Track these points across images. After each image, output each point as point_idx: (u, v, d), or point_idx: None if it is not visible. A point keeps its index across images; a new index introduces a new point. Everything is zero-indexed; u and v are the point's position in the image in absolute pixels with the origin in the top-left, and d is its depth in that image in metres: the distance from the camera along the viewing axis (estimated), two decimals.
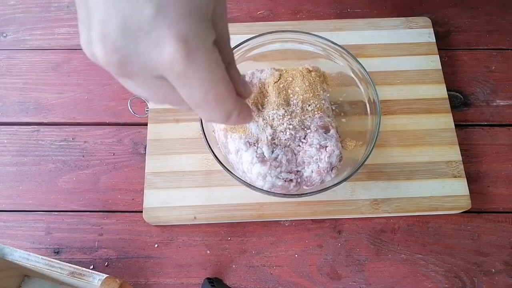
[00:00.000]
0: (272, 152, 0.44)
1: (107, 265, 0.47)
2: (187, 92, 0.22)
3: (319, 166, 0.44)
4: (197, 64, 0.21)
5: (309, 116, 0.46)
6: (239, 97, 0.27)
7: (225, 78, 0.24)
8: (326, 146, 0.44)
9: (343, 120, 0.51)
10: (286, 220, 0.50)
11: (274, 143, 0.45)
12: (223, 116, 0.25)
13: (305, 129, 0.45)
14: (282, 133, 0.45)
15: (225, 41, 0.26)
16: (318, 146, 0.44)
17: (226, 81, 0.24)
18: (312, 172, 0.44)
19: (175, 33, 0.20)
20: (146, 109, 0.54)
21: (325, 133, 0.45)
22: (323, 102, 0.47)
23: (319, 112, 0.46)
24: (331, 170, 0.44)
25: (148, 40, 0.20)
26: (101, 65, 0.22)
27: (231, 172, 0.43)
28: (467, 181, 0.50)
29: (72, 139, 0.54)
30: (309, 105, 0.46)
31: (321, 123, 0.46)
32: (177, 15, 0.20)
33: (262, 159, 0.43)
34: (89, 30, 0.21)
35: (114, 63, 0.21)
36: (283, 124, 0.45)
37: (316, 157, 0.44)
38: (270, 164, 0.43)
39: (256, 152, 0.43)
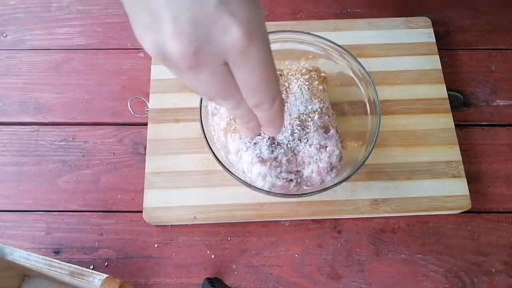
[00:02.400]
0: (272, 152, 0.44)
1: (107, 265, 0.47)
2: (245, 72, 0.25)
3: (319, 166, 0.44)
4: (257, 44, 0.24)
5: (309, 116, 0.46)
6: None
7: (273, 62, 0.26)
8: (326, 146, 0.44)
9: (343, 120, 0.50)
10: (286, 220, 0.50)
11: (274, 143, 0.45)
12: (270, 100, 0.28)
13: (305, 129, 0.45)
14: (282, 133, 0.45)
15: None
16: (318, 146, 0.44)
17: (274, 65, 0.27)
18: (312, 172, 0.44)
19: (238, 19, 0.23)
20: (146, 109, 0.54)
21: (325, 133, 0.45)
22: (323, 102, 0.47)
23: (319, 112, 0.46)
24: (331, 170, 0.44)
25: (216, 27, 0.23)
26: (171, 63, 0.25)
27: (231, 172, 0.43)
28: (467, 181, 0.50)
29: (72, 139, 0.54)
30: (309, 105, 0.46)
31: (321, 123, 0.46)
32: (237, 3, 0.23)
33: (262, 159, 0.43)
34: (158, 31, 0.23)
35: (190, 55, 0.24)
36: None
37: (316, 157, 0.44)
38: (270, 164, 0.43)
39: (256, 152, 0.43)
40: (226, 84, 0.27)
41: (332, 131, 0.45)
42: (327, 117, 0.47)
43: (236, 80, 0.26)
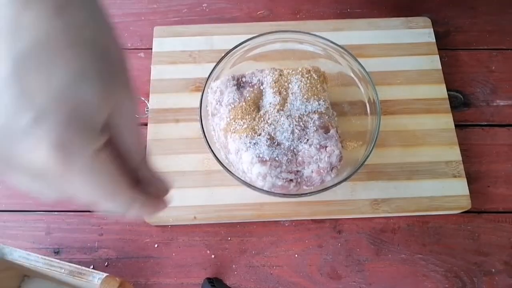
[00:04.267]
0: (272, 152, 0.43)
1: (107, 265, 0.47)
2: (71, 191, 0.23)
3: (319, 166, 0.44)
4: (75, 169, 0.22)
5: (309, 116, 0.46)
6: (143, 192, 0.26)
7: (113, 180, 0.23)
8: (326, 146, 0.44)
9: (343, 120, 0.50)
10: (286, 220, 0.50)
11: (274, 143, 0.45)
12: (118, 210, 0.25)
13: (305, 129, 0.45)
14: (282, 133, 0.45)
15: (130, 144, 0.25)
16: (318, 146, 0.44)
17: (115, 182, 0.24)
18: (312, 172, 0.44)
19: (51, 140, 0.20)
20: (146, 109, 0.54)
21: (325, 133, 0.45)
22: (323, 102, 0.47)
23: (319, 112, 0.46)
24: (331, 170, 0.44)
25: (23, 144, 0.20)
26: None
27: (231, 172, 0.43)
28: (467, 181, 0.50)
29: None
30: (309, 105, 0.46)
31: (321, 123, 0.46)
32: (55, 124, 0.20)
33: (262, 159, 0.43)
34: None
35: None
36: (283, 124, 0.45)
37: (316, 157, 0.44)
38: (270, 164, 0.43)
39: (256, 152, 0.43)
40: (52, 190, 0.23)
41: (332, 131, 0.45)
42: (327, 117, 0.47)
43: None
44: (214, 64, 0.48)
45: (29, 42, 0.20)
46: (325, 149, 0.44)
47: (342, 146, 0.46)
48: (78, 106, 0.21)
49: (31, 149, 0.20)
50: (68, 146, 0.21)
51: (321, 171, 0.44)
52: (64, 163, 0.21)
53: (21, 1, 0.20)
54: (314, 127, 0.45)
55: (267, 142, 0.44)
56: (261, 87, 0.48)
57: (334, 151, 0.44)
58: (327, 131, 0.45)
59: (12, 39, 0.20)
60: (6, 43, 0.19)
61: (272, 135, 0.45)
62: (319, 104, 0.47)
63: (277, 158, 0.43)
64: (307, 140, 0.45)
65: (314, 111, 0.46)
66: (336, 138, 0.45)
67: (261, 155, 0.43)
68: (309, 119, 0.46)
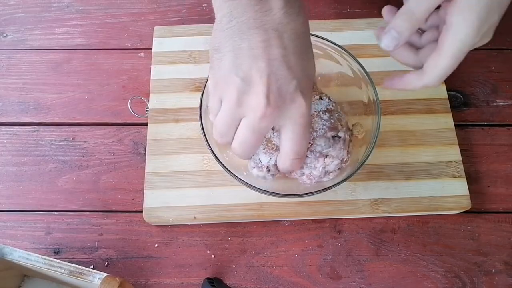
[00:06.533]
0: (270, 158, 0.42)
1: (107, 265, 0.47)
2: (293, 129, 0.36)
3: (311, 172, 0.43)
4: (308, 116, 0.36)
5: (319, 116, 0.43)
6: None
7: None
8: (326, 155, 0.43)
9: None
10: (286, 220, 0.50)
11: (273, 148, 0.43)
12: (301, 154, 0.38)
13: (312, 132, 0.43)
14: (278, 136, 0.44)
15: None
16: (317, 154, 0.42)
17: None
18: (303, 174, 0.44)
19: (304, 99, 0.34)
20: (146, 109, 0.54)
21: (333, 137, 0.43)
22: (329, 99, 0.46)
23: (329, 109, 0.44)
24: (329, 174, 0.44)
25: (290, 100, 0.34)
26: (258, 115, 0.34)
27: (231, 172, 0.43)
28: (467, 181, 0.50)
29: (72, 139, 0.54)
30: (315, 105, 0.45)
31: (330, 123, 0.43)
32: (306, 90, 0.35)
33: (258, 165, 0.43)
34: (249, 86, 0.33)
35: (269, 111, 0.34)
36: None
37: (311, 164, 0.43)
38: (268, 170, 0.42)
39: (254, 158, 0.43)
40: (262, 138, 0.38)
41: (341, 133, 0.44)
42: (336, 114, 0.44)
43: (281, 138, 0.37)
44: None
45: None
46: (323, 159, 0.43)
47: (354, 134, 0.45)
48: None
49: (293, 102, 0.35)
50: (309, 104, 0.36)
51: (311, 177, 0.43)
52: (308, 111, 0.36)
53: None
54: (323, 130, 0.43)
55: (264, 148, 0.42)
56: None
57: (333, 162, 0.43)
58: (336, 131, 0.43)
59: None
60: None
61: (271, 139, 0.43)
62: (327, 103, 0.45)
63: (274, 164, 0.42)
64: (311, 144, 0.42)
65: (324, 110, 0.44)
66: (344, 140, 0.44)
67: (258, 162, 0.42)
68: (319, 119, 0.43)
